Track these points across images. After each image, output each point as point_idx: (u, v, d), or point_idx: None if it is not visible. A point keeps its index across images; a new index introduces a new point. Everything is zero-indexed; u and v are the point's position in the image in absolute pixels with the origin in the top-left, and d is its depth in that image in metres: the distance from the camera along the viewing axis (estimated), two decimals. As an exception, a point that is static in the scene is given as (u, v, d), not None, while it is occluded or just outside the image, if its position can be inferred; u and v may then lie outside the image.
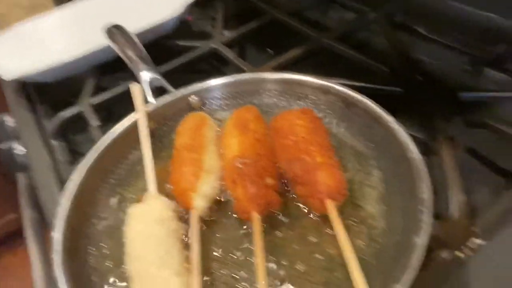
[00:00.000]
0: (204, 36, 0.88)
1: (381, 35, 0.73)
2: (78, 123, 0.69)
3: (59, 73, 0.72)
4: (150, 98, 0.55)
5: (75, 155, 0.67)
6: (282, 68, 0.69)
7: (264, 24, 0.82)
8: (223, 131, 0.51)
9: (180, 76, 0.74)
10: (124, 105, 0.73)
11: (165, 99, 0.55)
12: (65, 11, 0.87)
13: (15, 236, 1.59)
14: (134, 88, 0.54)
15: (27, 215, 0.78)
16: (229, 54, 0.73)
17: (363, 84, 0.58)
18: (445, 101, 0.55)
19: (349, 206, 0.43)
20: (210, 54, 0.77)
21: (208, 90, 0.57)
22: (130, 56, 0.61)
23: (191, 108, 0.56)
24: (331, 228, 0.40)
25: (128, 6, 0.86)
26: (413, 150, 0.40)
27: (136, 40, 0.65)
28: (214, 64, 0.83)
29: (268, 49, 0.83)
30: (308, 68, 0.70)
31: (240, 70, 0.69)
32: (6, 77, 0.68)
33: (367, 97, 0.48)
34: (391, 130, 0.44)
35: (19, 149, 0.78)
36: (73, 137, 0.70)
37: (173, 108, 0.55)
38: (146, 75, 0.57)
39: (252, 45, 0.85)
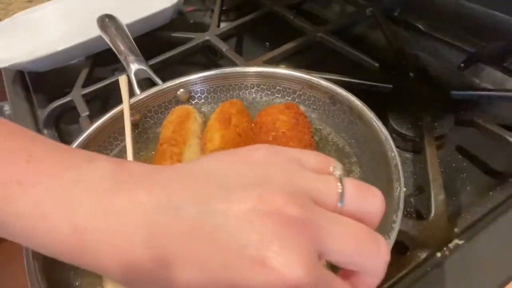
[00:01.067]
0: (201, 28, 0.88)
1: (378, 30, 0.72)
2: (70, 113, 0.69)
3: (52, 62, 0.73)
4: (137, 90, 0.55)
5: (65, 142, 0.67)
6: (275, 62, 0.68)
7: (262, 17, 0.82)
8: (207, 126, 0.51)
9: (174, 69, 0.74)
10: (117, 95, 0.74)
11: (151, 91, 0.54)
12: (64, 0, 0.87)
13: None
14: (121, 80, 0.54)
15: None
16: (223, 46, 0.72)
17: (352, 80, 0.58)
18: (436, 99, 0.54)
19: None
20: (204, 47, 0.77)
21: (195, 83, 0.56)
22: (119, 47, 0.61)
23: (178, 101, 0.56)
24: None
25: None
26: (391, 147, 0.39)
27: (126, 31, 0.65)
28: (210, 57, 0.83)
29: (266, 43, 0.82)
30: (302, 62, 0.70)
31: (233, 64, 0.68)
32: (1, 66, 0.68)
33: (351, 93, 0.47)
34: (372, 127, 0.43)
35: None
36: (65, 127, 0.71)
37: (159, 101, 0.55)
38: (133, 66, 0.57)
39: (249, 38, 0.84)
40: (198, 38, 0.76)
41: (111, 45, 0.62)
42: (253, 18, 0.80)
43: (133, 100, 0.53)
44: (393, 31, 0.70)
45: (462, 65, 0.58)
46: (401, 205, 0.34)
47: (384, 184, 0.39)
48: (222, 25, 0.82)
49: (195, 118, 0.52)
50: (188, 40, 0.77)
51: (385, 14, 0.74)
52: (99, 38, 0.71)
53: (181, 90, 0.56)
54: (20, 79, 0.82)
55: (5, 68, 0.78)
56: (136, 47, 0.61)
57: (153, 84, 0.58)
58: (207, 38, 0.76)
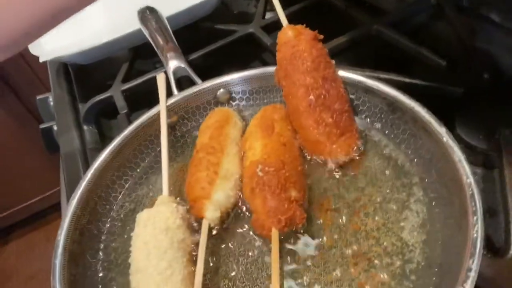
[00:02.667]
0: (246, 18, 0.82)
1: (443, 21, 0.63)
2: (110, 108, 0.68)
3: (95, 55, 0.71)
4: (175, 90, 0.52)
5: (104, 141, 0.66)
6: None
7: (311, 7, 0.75)
8: (246, 132, 0.46)
9: (215, 64, 0.70)
10: (157, 91, 0.71)
11: (190, 91, 0.51)
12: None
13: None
14: (159, 78, 0.51)
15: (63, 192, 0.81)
16: (267, 40, 0.67)
17: (415, 81, 0.51)
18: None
19: (382, 230, 0.37)
20: (248, 39, 0.72)
21: (235, 83, 0.52)
22: (158, 42, 0.57)
23: (218, 102, 0.52)
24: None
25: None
26: (467, 173, 0.33)
27: (167, 24, 0.61)
28: (254, 51, 0.78)
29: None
30: (354, 58, 0.63)
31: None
32: (42, 58, 0.68)
33: (415, 100, 0.40)
34: (441, 143, 0.36)
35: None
36: (106, 122, 0.70)
37: (198, 102, 0.51)
38: (172, 64, 0.53)
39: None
40: (241, 30, 0.71)
41: (150, 39, 0.59)
42: (301, 8, 0.73)
43: (171, 100, 0.50)
44: (462, 23, 0.61)
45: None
46: (480, 249, 0.28)
47: (456, 214, 0.33)
48: (268, 15, 0.76)
49: (235, 123, 0.48)
50: (231, 32, 0.72)
51: (453, 3, 0.65)
52: (141, 30, 0.68)
53: (221, 90, 0.52)
54: (64, 71, 0.82)
55: (50, 61, 0.77)
56: (176, 43, 0.57)
57: (191, 82, 0.54)
58: (251, 30, 0.71)
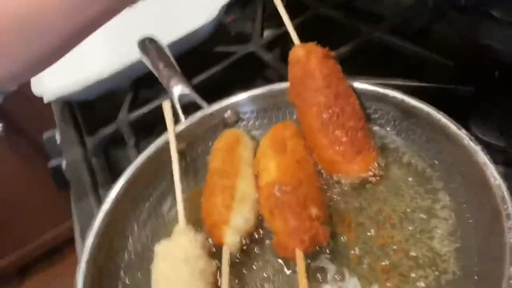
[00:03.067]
0: (244, 38, 0.83)
1: (444, 22, 0.63)
2: (118, 139, 0.68)
3: (98, 89, 0.71)
4: (182, 116, 0.51)
5: (115, 173, 0.65)
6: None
7: (309, 20, 0.75)
8: (258, 152, 0.45)
9: (219, 86, 0.69)
10: (162, 119, 0.71)
11: (197, 116, 0.50)
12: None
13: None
14: (165, 106, 0.50)
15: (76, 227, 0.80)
16: (268, 57, 0.67)
17: (424, 84, 0.50)
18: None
19: (411, 242, 0.35)
20: (249, 59, 0.72)
21: (243, 103, 0.51)
22: (160, 70, 0.57)
23: (226, 124, 0.51)
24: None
25: (162, 15, 0.83)
26: (494, 175, 0.32)
27: (168, 52, 0.62)
28: (256, 70, 0.78)
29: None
30: (358, 67, 0.62)
31: (281, 76, 0.62)
32: (46, 99, 0.68)
33: (428, 104, 0.39)
34: (461, 145, 0.35)
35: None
36: (115, 154, 0.69)
37: (206, 126, 0.51)
38: (176, 90, 0.53)
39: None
40: (241, 50, 0.72)
41: (152, 69, 0.59)
42: (299, 22, 0.73)
43: (179, 127, 0.49)
44: (463, 23, 0.61)
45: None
46: (521, 253, 0.27)
47: (488, 218, 0.32)
48: (266, 33, 0.76)
49: (246, 144, 0.47)
50: (231, 54, 0.72)
51: (451, 3, 0.65)
52: (142, 61, 0.69)
53: (228, 112, 0.51)
54: (68, 108, 0.82)
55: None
56: (178, 69, 0.57)
57: (197, 107, 0.53)
58: (251, 50, 0.71)
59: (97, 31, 0.71)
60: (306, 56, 0.45)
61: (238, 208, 0.39)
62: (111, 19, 0.48)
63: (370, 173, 0.39)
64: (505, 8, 0.60)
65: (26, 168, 1.61)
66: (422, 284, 0.32)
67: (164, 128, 0.65)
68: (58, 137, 0.87)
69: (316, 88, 0.43)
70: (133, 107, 0.69)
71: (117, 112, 0.76)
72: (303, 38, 0.68)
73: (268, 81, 0.77)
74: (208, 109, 0.51)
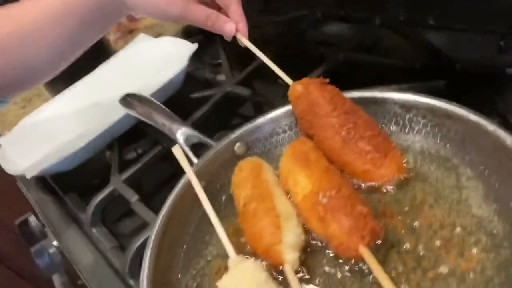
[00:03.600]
0: (211, 84, 0.86)
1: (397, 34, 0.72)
2: (112, 203, 0.65)
3: (77, 158, 0.69)
4: (193, 158, 0.51)
5: (119, 237, 0.62)
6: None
7: (280, 56, 0.80)
8: (281, 171, 0.47)
9: (207, 130, 0.71)
10: (154, 171, 0.70)
11: (209, 154, 0.51)
12: (65, 95, 0.84)
13: None
14: (176, 151, 0.50)
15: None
16: (245, 92, 0.71)
17: (411, 84, 0.56)
18: (497, 79, 0.53)
19: (453, 215, 0.39)
20: (226, 98, 0.74)
21: (249, 133, 0.53)
22: (156, 119, 0.58)
23: (237, 156, 0.53)
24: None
25: (124, 76, 0.84)
26: (504, 135, 0.37)
27: (155, 102, 0.62)
28: (229, 109, 0.81)
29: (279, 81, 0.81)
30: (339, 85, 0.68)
31: (269, 106, 0.65)
32: (29, 175, 0.64)
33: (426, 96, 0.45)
34: (468, 122, 0.41)
35: (52, 248, 0.73)
36: (112, 218, 0.66)
37: (219, 161, 0.52)
38: (181, 134, 0.54)
39: (260, 82, 0.82)
40: (217, 92, 0.74)
41: (147, 120, 0.59)
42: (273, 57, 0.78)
43: (197, 168, 0.49)
44: (407, 33, 0.70)
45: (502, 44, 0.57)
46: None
47: (509, 173, 0.36)
48: (235, 74, 0.80)
49: (267, 168, 0.48)
50: (208, 97, 0.74)
51: (393, 20, 0.74)
52: (122, 119, 0.68)
53: (237, 144, 0.53)
54: (43, 184, 0.77)
55: (22, 177, 0.73)
56: (175, 115, 0.58)
57: (202, 146, 0.54)
58: (228, 89, 0.74)
59: (59, 102, 0.73)
60: (306, 89, 0.49)
61: (287, 226, 0.40)
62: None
63: (405, 171, 0.43)
64: (438, 17, 0.71)
65: None
66: (480, 247, 0.35)
67: (163, 176, 0.65)
68: (34, 220, 0.81)
69: (325, 113, 0.46)
70: (122, 166, 0.67)
71: (98, 177, 0.74)
72: (268, 74, 0.72)
73: (243, 116, 0.81)
74: (218, 145, 0.52)
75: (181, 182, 0.48)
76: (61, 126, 0.77)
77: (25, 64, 0.49)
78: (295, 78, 0.75)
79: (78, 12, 0.48)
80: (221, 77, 0.87)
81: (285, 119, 0.54)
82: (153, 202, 0.62)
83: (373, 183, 0.44)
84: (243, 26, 0.51)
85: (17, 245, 1.24)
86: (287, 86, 0.68)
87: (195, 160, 0.52)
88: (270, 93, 0.75)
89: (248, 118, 0.80)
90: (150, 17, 0.50)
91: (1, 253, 1.30)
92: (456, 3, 0.69)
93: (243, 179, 0.47)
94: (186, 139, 0.54)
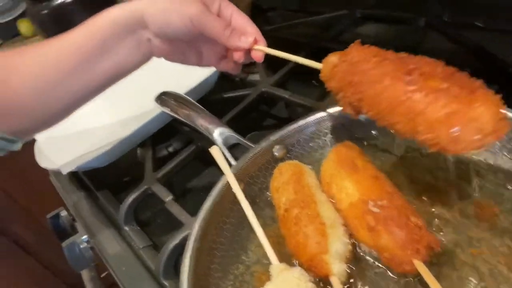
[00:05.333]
0: (244, 83, 0.85)
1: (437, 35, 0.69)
2: (143, 202, 0.64)
3: (114, 154, 0.69)
4: (231, 159, 0.50)
5: (151, 236, 0.62)
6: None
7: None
8: (323, 176, 0.45)
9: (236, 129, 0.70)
10: (187, 171, 0.69)
11: (248, 156, 0.49)
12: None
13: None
14: (214, 152, 0.49)
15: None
16: (283, 93, 0.69)
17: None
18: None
19: None
20: (261, 99, 0.73)
21: (288, 135, 0.51)
22: (194, 119, 0.57)
23: (276, 159, 0.51)
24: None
25: (158, 75, 0.83)
26: None
27: (192, 100, 0.61)
28: (262, 109, 0.80)
29: (314, 82, 0.79)
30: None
31: (304, 108, 0.64)
32: (64, 171, 0.64)
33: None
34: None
35: (83, 244, 0.73)
36: (143, 216, 0.66)
37: (259, 164, 0.50)
38: (219, 134, 0.53)
39: (294, 83, 0.80)
40: (253, 92, 0.73)
41: (183, 119, 0.58)
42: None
43: (236, 170, 0.48)
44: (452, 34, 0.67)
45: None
46: None
47: None
48: (269, 75, 0.79)
49: (308, 172, 0.46)
50: (244, 97, 0.73)
51: (439, 20, 0.71)
52: (157, 117, 0.68)
53: (276, 147, 0.51)
54: (76, 180, 0.78)
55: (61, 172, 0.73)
56: (211, 114, 0.57)
57: (238, 146, 0.53)
58: (263, 89, 0.72)
59: (101, 100, 0.72)
60: (343, 54, 0.42)
61: (333, 234, 0.38)
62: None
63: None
64: (486, 18, 0.68)
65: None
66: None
67: (192, 179, 0.64)
68: (64, 214, 0.81)
69: (375, 64, 0.36)
70: (156, 164, 0.67)
71: (129, 175, 0.74)
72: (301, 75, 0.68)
73: (276, 117, 0.79)
74: (257, 147, 0.50)
75: (219, 184, 0.47)
76: (96, 123, 0.78)
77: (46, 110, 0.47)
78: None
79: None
80: (254, 77, 0.86)
81: (327, 122, 0.52)
82: (185, 201, 0.61)
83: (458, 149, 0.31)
84: (260, 36, 0.47)
85: (46, 239, 1.27)
86: (321, 86, 0.66)
87: (233, 161, 0.50)
88: (305, 94, 0.74)
89: (280, 119, 0.80)
90: (166, 32, 0.44)
91: (31, 246, 1.33)
92: (506, 3, 0.65)
93: (284, 183, 0.45)
94: (224, 140, 0.53)
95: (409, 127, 0.33)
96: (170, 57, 0.49)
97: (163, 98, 0.64)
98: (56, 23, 0.97)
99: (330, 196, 0.43)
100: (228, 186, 0.46)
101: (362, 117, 0.42)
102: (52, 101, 0.45)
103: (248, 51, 0.47)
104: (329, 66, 0.43)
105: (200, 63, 0.51)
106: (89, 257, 0.73)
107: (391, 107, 0.34)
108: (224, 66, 0.51)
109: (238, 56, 0.47)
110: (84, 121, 0.77)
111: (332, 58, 0.43)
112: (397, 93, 0.34)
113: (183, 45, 0.48)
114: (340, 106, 0.43)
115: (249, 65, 0.91)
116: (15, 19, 1.44)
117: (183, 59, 0.50)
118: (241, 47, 0.45)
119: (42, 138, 0.74)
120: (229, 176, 0.47)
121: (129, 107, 0.75)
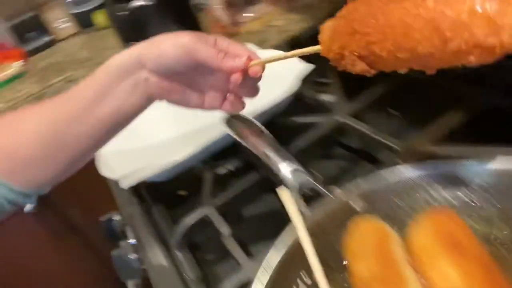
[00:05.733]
0: (317, 105, 0.79)
1: None
2: (200, 226, 0.61)
3: (174, 171, 0.66)
4: (303, 208, 0.45)
5: (203, 266, 0.58)
6: (436, 141, 0.56)
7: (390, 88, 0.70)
8: (414, 247, 0.38)
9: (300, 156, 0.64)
10: (248, 202, 0.65)
11: (324, 205, 0.44)
12: (167, 107, 0.83)
13: None
14: (283, 195, 0.44)
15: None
16: (363, 127, 0.62)
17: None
18: None
19: None
20: (334, 130, 0.67)
21: (372, 186, 0.45)
22: (264, 152, 0.51)
23: (352, 211, 0.45)
24: None
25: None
26: None
27: (263, 128, 0.56)
28: (333, 138, 0.73)
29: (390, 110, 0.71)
30: (474, 135, 0.56)
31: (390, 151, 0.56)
32: (124, 185, 0.62)
33: None
34: None
35: (132, 255, 0.71)
36: (198, 243, 0.62)
37: (333, 216, 0.44)
38: (294, 178, 0.47)
39: (375, 113, 0.72)
40: (325, 120, 0.67)
41: (250, 148, 0.53)
42: (383, 90, 0.69)
43: (307, 220, 0.42)
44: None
45: None
46: None
47: None
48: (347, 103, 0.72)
49: (394, 237, 0.40)
50: (313, 124, 0.67)
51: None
52: (222, 138, 0.64)
53: (357, 200, 0.45)
54: (132, 190, 0.76)
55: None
56: (284, 150, 0.51)
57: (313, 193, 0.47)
58: (337, 118, 0.66)
59: (166, 112, 0.70)
60: (337, 16, 0.38)
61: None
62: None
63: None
64: None
65: (57, 246, 1.52)
66: None
67: (254, 213, 0.59)
68: (117, 219, 0.80)
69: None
70: (215, 190, 0.63)
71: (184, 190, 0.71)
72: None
73: (346, 146, 0.72)
74: (334, 197, 0.44)
75: (287, 236, 0.42)
76: (160, 137, 0.76)
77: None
78: (418, 121, 0.65)
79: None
80: (327, 97, 0.79)
81: (418, 172, 0.44)
82: (241, 229, 0.57)
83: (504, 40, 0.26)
84: (254, 55, 0.46)
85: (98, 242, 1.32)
86: (401, 117, 0.58)
87: (303, 209, 0.45)
88: (380, 125, 0.66)
89: (351, 149, 0.73)
90: (161, 63, 0.45)
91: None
92: None
93: (363, 246, 0.39)
94: (297, 183, 0.47)
95: (435, 41, 0.29)
96: (170, 97, 0.49)
97: (231, 119, 0.60)
98: (133, 24, 0.97)
99: (420, 274, 0.36)
100: (296, 240, 0.41)
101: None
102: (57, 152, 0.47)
103: (245, 72, 0.46)
104: (327, 33, 0.39)
105: (202, 104, 0.50)
106: (137, 268, 0.72)
107: (406, 27, 0.30)
108: (227, 106, 0.50)
109: (236, 78, 0.45)
110: (149, 134, 0.76)
111: (328, 24, 0.39)
112: (408, 9, 0.29)
113: (182, 83, 0.48)
114: (349, 69, 0.37)
115: (320, 84, 0.85)
116: (90, 11, 1.49)
117: (184, 99, 0.49)
118: (235, 67, 0.45)
119: (108, 146, 0.73)
120: (300, 228, 0.41)
121: (194, 124, 0.72)
